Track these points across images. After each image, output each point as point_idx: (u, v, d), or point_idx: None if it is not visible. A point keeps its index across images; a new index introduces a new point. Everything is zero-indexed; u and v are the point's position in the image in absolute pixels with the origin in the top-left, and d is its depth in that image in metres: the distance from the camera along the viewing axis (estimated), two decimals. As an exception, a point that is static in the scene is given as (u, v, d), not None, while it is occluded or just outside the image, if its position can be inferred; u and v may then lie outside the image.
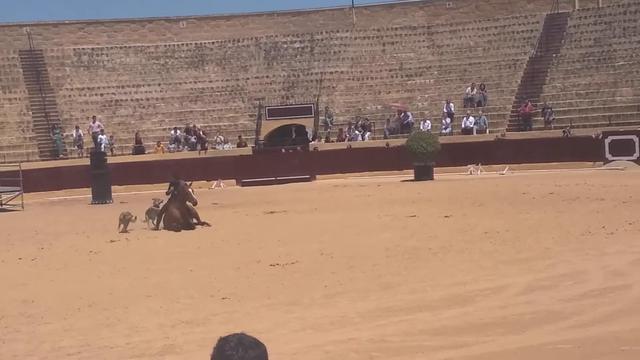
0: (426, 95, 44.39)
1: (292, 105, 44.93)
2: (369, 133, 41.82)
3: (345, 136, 41.76)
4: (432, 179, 34.52)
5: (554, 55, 43.69)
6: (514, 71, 43.87)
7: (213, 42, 50.04)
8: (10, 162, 36.74)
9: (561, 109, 40.19)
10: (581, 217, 19.10)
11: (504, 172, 36.23)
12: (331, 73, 47.07)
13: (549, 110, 39.26)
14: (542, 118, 39.48)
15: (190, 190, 21.98)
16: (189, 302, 12.29)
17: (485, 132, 40.01)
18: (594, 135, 36.58)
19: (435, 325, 10.28)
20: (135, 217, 21.70)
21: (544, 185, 27.61)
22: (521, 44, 45.62)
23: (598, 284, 12.03)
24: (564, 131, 37.66)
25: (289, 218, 22.95)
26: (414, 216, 21.18)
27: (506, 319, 10.36)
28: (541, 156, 36.53)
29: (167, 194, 22.29)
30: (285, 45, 49.53)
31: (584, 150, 36.08)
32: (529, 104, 40.19)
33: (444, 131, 40.32)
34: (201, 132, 42.55)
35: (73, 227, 23.39)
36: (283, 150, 41.87)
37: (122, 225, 21.42)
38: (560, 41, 44.62)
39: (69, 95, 46.14)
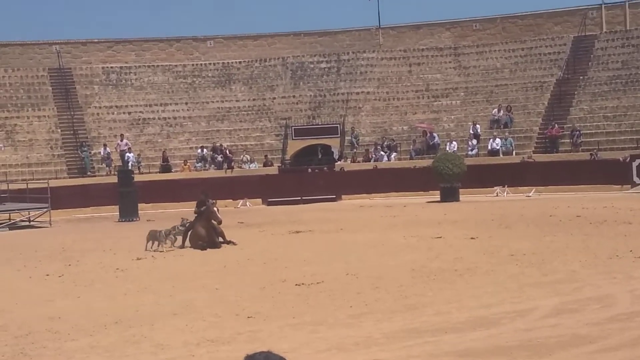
0: (452, 117, 44.33)
1: (318, 125, 45.01)
2: (395, 154, 41.80)
3: (372, 156, 41.77)
4: (458, 200, 34.43)
5: (581, 77, 43.55)
6: (540, 93, 43.75)
7: (240, 62, 50.29)
8: (39, 179, 37.05)
9: (588, 131, 40.00)
10: (608, 241, 18.98)
11: (530, 194, 36.07)
12: (357, 93, 47.14)
13: (577, 132, 39.09)
14: (570, 140, 39.32)
15: (215, 209, 22.04)
16: (214, 320, 12.32)
17: (512, 154, 39.87)
18: (621, 159, 36.37)
19: (460, 347, 10.25)
20: (166, 235, 21.72)
21: (571, 208, 27.47)
22: (548, 65, 45.51)
23: (625, 308, 11.95)
24: (591, 154, 37.48)
25: (315, 238, 22.96)
26: (440, 237, 21.13)
27: (532, 342, 10.31)
28: (568, 179, 36.32)
29: (195, 212, 22.36)
30: (311, 65, 49.68)
31: (611, 174, 35.86)
32: (556, 126, 40.05)
33: (470, 152, 40.24)
34: (228, 151, 42.71)
35: (100, 245, 23.52)
36: (310, 170, 41.90)
37: (150, 243, 21.46)
38: (588, 63, 44.47)
39: (97, 114, 46.50)
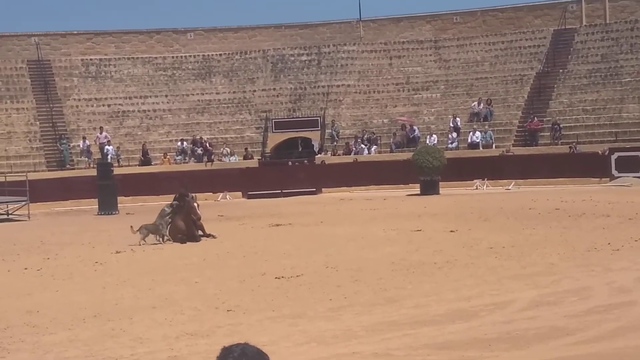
0: (433, 110, 44.42)
1: (299, 118, 45.00)
2: (375, 147, 41.84)
3: (352, 149, 41.79)
4: (438, 193, 34.51)
5: (560, 70, 43.72)
6: (520, 86, 43.90)
7: (220, 54, 50.18)
8: (17, 172, 36.85)
9: (568, 124, 40.18)
10: (587, 234, 19.08)
11: (509, 187, 36.20)
12: (338, 86, 47.15)
13: (557, 126, 39.26)
14: (550, 134, 39.48)
15: (195, 204, 21.96)
16: (194, 313, 12.30)
17: (492, 147, 40.00)
18: (600, 152, 36.56)
19: (440, 340, 10.29)
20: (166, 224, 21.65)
21: (550, 201, 27.58)
22: (528, 59, 45.66)
23: (603, 300, 12.02)
24: (570, 147, 37.65)
25: (295, 231, 22.97)
26: (420, 230, 21.18)
27: (510, 334, 10.36)
28: (547, 172, 36.49)
29: (170, 205, 22.26)
30: (292, 58, 49.64)
31: (590, 167, 36.04)
32: (536, 119, 40.20)
33: (450, 146, 40.34)
34: (208, 144, 42.63)
35: (79, 238, 23.43)
36: (290, 163, 41.88)
37: (143, 236, 21.31)
38: (567, 57, 44.65)
39: (77, 106, 46.28)
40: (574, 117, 40.75)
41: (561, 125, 39.50)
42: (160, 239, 21.43)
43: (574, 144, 37.78)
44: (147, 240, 21.17)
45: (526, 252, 16.56)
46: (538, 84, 43.20)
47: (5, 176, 34.89)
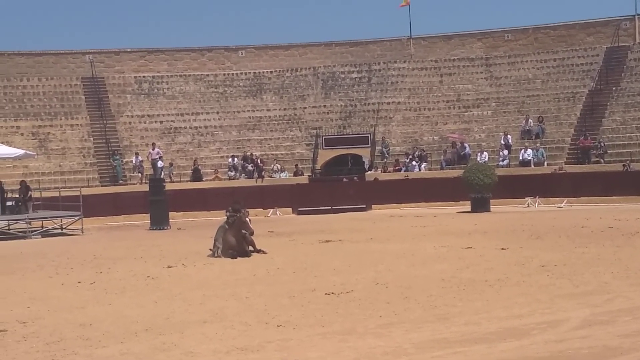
0: (483, 127, 44.22)
1: (349, 134, 45.09)
2: (425, 164, 41.73)
3: (402, 166, 41.72)
4: (488, 210, 34.30)
5: (613, 88, 43.30)
6: (573, 104, 43.54)
7: (271, 72, 50.50)
8: (71, 187, 37.37)
9: (621, 142, 39.76)
10: (640, 252, 18.83)
11: (562, 205, 35.86)
12: (388, 103, 47.17)
13: (602, 144, 38.91)
14: (594, 152, 39.12)
15: (247, 219, 22.05)
16: (244, 328, 12.34)
17: (544, 165, 39.69)
18: (654, 170, 36.10)
19: (490, 358, 10.20)
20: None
21: (603, 219, 27.26)
22: (580, 76, 45.30)
23: (657, 320, 11.84)
24: (623, 165, 37.23)
25: (345, 247, 22.94)
26: (470, 248, 21.04)
27: (562, 354, 10.25)
28: (600, 190, 36.11)
29: (227, 222, 22.31)
30: (342, 75, 49.79)
31: (643, 185, 35.60)
32: (588, 137, 39.81)
33: (501, 163, 40.11)
34: (258, 161, 42.88)
35: (131, 252, 23.64)
36: (345, 180, 41.85)
37: (216, 250, 21.62)
38: (620, 74, 44.22)
39: (129, 122, 46.87)
40: (627, 135, 40.29)
41: (608, 143, 39.08)
42: (216, 252, 21.66)
43: (627, 162, 37.34)
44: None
45: (579, 271, 16.37)
46: (590, 102, 42.83)
47: (60, 191, 35.36)
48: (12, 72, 48.26)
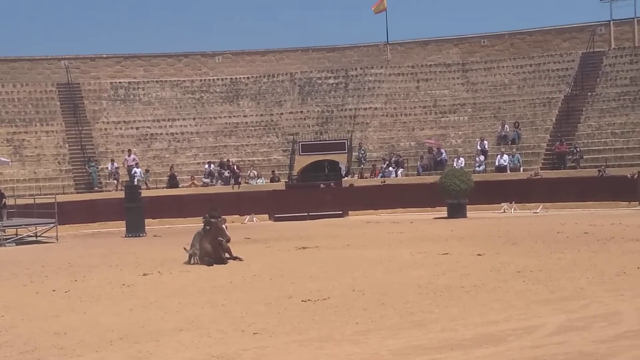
0: (460, 133, 44.36)
1: (326, 140, 45.10)
2: (402, 169, 41.80)
3: (379, 172, 41.76)
4: (465, 216, 34.39)
5: (589, 93, 43.57)
6: (548, 109, 43.77)
7: (248, 77, 50.46)
8: (46, 194, 37.13)
9: (596, 147, 39.99)
10: (616, 258, 18.90)
11: (537, 210, 36.02)
12: (365, 109, 47.23)
13: (577, 150, 39.16)
14: (570, 157, 39.34)
15: (224, 226, 21.98)
16: (220, 336, 12.29)
17: (520, 170, 39.85)
18: (629, 175, 36.33)
19: (467, 365, 10.20)
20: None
21: (579, 225, 27.40)
22: (556, 82, 45.56)
23: (632, 325, 11.89)
24: (599, 170, 37.45)
25: (321, 254, 22.92)
26: (447, 254, 21.07)
27: (538, 359, 10.26)
28: (575, 195, 36.33)
29: (203, 229, 22.28)
30: (319, 81, 49.81)
31: (619, 190, 35.83)
32: (564, 142, 40.02)
33: (477, 169, 40.24)
34: (235, 167, 42.78)
35: (106, 260, 23.51)
36: (322, 186, 41.85)
37: (193, 257, 21.59)
38: (596, 80, 44.51)
39: (105, 129, 46.66)
40: (602, 140, 40.55)
41: (585, 149, 39.32)
42: (193, 259, 21.61)
43: (602, 167, 37.56)
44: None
45: (554, 277, 16.42)
46: (566, 107, 43.07)
47: (34, 198, 35.14)
48: (-14, 79, 47.94)
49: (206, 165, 43.37)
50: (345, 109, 47.63)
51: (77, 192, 41.48)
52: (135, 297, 16.29)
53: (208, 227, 21.62)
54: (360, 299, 14.90)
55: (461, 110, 46.08)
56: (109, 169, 42.73)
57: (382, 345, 11.28)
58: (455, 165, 40.09)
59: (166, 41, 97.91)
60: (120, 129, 46.89)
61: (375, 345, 11.34)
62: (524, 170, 39.87)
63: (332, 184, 42.18)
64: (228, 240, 21.79)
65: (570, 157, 39.49)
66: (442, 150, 41.90)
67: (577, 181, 37.41)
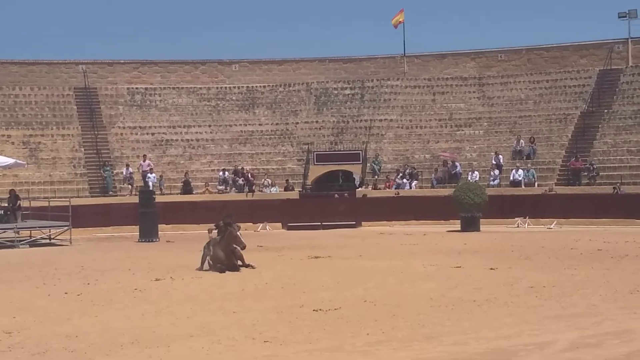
0: (475, 146, 44.30)
1: (341, 151, 45.10)
2: (416, 182, 41.76)
3: (393, 184, 41.73)
4: (478, 230, 34.30)
5: (605, 110, 43.44)
6: (564, 125, 43.67)
7: (264, 86, 50.53)
8: (61, 197, 37.22)
9: (612, 164, 39.87)
10: (629, 275, 18.83)
11: (551, 226, 35.90)
12: (380, 120, 47.23)
13: (592, 167, 39.04)
14: (586, 174, 39.21)
15: (239, 233, 22.01)
16: (231, 343, 12.29)
17: (534, 186, 39.75)
18: (644, 193, 36.18)
19: (478, 379, 10.17)
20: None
21: (592, 242, 27.30)
22: (573, 98, 45.45)
23: (645, 343, 11.83)
24: (614, 187, 37.32)
25: (334, 264, 22.91)
26: (459, 267, 21.03)
27: (550, 376, 10.22)
28: (590, 212, 36.19)
29: (215, 227, 22.38)
30: (335, 92, 49.84)
31: (634, 208, 35.67)
32: (579, 158, 39.91)
33: (492, 183, 40.17)
34: (249, 175, 42.83)
35: (119, 264, 23.57)
36: (336, 196, 41.84)
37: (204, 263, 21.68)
38: (613, 97, 44.38)
39: (121, 134, 46.80)
40: (618, 157, 40.41)
41: (599, 166, 39.20)
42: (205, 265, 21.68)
43: (617, 184, 37.42)
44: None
45: (567, 293, 16.37)
46: (582, 124, 42.95)
47: (49, 201, 35.24)
48: (4, 81, 48.15)
49: (220, 173, 43.42)
50: (361, 120, 47.63)
51: (92, 196, 41.57)
52: (147, 302, 16.31)
53: (219, 236, 21.68)
54: (372, 310, 14.88)
55: (477, 124, 46.02)
56: (124, 173, 42.85)
57: (393, 357, 11.26)
58: (469, 178, 40.03)
59: (184, 48, 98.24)
60: (136, 134, 47.02)
61: (386, 356, 11.32)
62: (538, 186, 39.76)
63: (345, 194, 42.16)
64: (243, 248, 21.80)
65: (585, 173, 39.36)
66: (457, 164, 41.85)
67: (591, 198, 37.28)
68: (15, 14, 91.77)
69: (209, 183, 42.83)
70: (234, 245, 21.59)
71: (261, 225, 38.68)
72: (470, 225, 34.44)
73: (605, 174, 39.26)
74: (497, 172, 40.78)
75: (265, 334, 12.88)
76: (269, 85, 50.63)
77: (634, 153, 40.31)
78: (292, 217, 39.19)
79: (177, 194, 42.13)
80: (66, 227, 32.46)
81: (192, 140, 46.90)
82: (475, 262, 22.09)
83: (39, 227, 33.38)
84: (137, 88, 49.75)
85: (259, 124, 48.27)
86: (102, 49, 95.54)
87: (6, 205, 33.92)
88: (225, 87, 50.73)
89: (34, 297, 17.40)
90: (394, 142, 46.09)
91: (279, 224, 39.24)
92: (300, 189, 43.17)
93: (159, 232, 33.83)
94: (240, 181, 42.62)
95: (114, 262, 24.18)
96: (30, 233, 33.40)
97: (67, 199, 34.68)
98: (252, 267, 21.73)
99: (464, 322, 13.56)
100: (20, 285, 19.52)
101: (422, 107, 48.11)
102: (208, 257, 21.70)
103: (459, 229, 34.81)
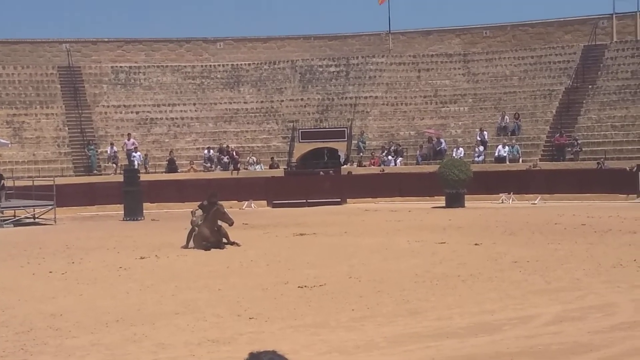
0: (460, 123, 44.31)
1: (326, 128, 45.04)
2: (401, 158, 41.79)
3: (379, 161, 41.74)
4: (463, 206, 34.38)
5: (590, 86, 43.49)
6: (549, 101, 43.71)
7: (249, 64, 50.34)
8: (45, 177, 37.07)
9: (596, 140, 39.98)
10: (613, 250, 18.94)
11: (536, 202, 36.03)
12: (365, 98, 47.15)
13: (577, 142, 39.14)
14: (569, 149, 39.31)
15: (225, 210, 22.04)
16: (216, 320, 12.31)
17: (519, 162, 39.84)
18: (628, 168, 36.33)
19: (462, 353, 10.23)
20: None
21: (576, 217, 27.43)
22: (557, 74, 45.47)
23: (628, 316, 11.92)
24: (597, 163, 37.44)
25: (319, 241, 22.96)
26: (444, 243, 21.11)
27: (533, 349, 10.29)
28: (574, 187, 36.31)
29: (198, 207, 22.39)
30: (320, 69, 49.70)
31: (617, 183, 35.83)
32: (564, 134, 40.00)
33: (476, 159, 40.22)
34: (234, 153, 42.76)
35: (104, 243, 23.55)
36: (321, 173, 41.85)
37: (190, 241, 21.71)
38: (597, 73, 44.42)
39: (105, 112, 46.58)
40: (602, 133, 40.52)
41: (584, 141, 39.31)
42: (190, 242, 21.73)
43: (601, 159, 37.55)
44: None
45: (551, 267, 16.46)
46: (567, 100, 43.01)
47: (33, 180, 35.15)
48: (-13, 60, 47.84)
49: (205, 151, 43.34)
50: (346, 97, 47.55)
51: (76, 175, 41.43)
52: (132, 281, 16.33)
53: (204, 214, 21.71)
54: (357, 286, 14.93)
55: (461, 100, 46.01)
56: (108, 152, 42.69)
57: (378, 332, 11.31)
58: (454, 155, 40.07)
59: (168, 26, 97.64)
60: (120, 113, 46.81)
61: (371, 332, 11.37)
62: (523, 162, 39.85)
63: (331, 171, 42.16)
64: (231, 224, 21.86)
65: (569, 149, 39.47)
66: (442, 140, 41.88)
67: (576, 173, 37.41)
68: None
69: (194, 161, 42.75)
70: (220, 223, 21.63)
71: (246, 203, 38.67)
72: (455, 201, 34.52)
73: (589, 149, 39.37)
74: (481, 148, 40.82)
75: (251, 310, 12.92)
76: (253, 63, 50.44)
77: (617, 128, 40.43)
78: (277, 195, 39.19)
79: (162, 172, 42.04)
80: (50, 207, 32.40)
81: (176, 118, 46.73)
82: (459, 238, 22.18)
83: (23, 207, 33.33)
84: (121, 67, 49.49)
85: (244, 102, 48.12)
86: (86, 28, 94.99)
87: (-10, 184, 33.81)
88: (210, 65, 50.53)
89: (19, 276, 17.39)
90: (379, 119, 46.04)
91: (264, 202, 39.23)
92: (286, 167, 43.13)
93: (144, 211, 33.82)
94: (225, 159, 42.55)
95: (99, 241, 24.16)
96: (15, 212, 33.33)
97: (52, 178, 34.57)
98: (237, 244, 21.77)
99: (449, 298, 13.63)
100: (5, 264, 19.50)
101: (407, 84, 48.05)
102: (194, 234, 21.73)
103: (444, 205, 34.89)
